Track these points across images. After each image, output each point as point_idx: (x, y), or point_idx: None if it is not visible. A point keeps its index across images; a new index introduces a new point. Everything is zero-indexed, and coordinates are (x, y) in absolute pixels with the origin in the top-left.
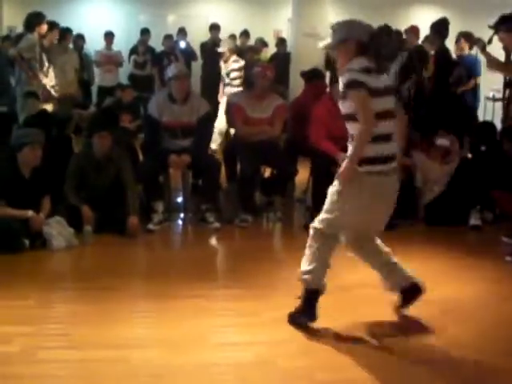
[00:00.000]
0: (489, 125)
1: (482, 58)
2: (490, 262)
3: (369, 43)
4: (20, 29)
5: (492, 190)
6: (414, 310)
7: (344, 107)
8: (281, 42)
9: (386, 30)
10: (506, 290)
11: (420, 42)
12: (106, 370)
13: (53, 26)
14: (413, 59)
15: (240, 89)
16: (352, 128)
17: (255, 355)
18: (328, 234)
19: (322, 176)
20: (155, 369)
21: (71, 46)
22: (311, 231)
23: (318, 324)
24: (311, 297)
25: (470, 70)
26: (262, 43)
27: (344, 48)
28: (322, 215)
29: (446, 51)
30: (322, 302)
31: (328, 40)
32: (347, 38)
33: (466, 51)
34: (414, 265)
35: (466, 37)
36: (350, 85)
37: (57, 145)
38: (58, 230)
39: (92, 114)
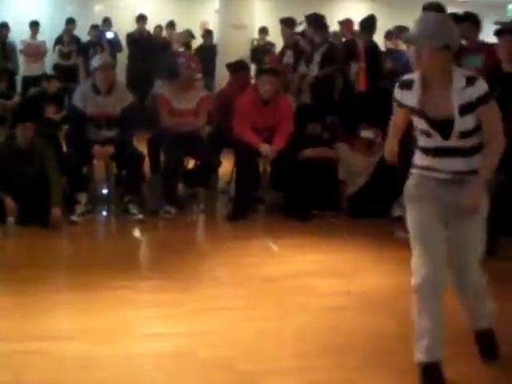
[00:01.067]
0: None
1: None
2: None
3: None
4: None
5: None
6: (333, 301)
7: (465, 122)
8: (207, 33)
9: None
10: None
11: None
12: (32, 362)
13: None
14: (333, 49)
15: None
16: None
17: (176, 346)
18: None
19: (245, 167)
20: (81, 360)
21: None
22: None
23: (240, 315)
24: None
25: (405, 64)
26: (190, 35)
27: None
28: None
29: (375, 46)
30: (246, 293)
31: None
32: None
33: (400, 46)
34: (337, 256)
35: (399, 31)
36: (488, 96)
37: None
38: None
39: (16, 104)
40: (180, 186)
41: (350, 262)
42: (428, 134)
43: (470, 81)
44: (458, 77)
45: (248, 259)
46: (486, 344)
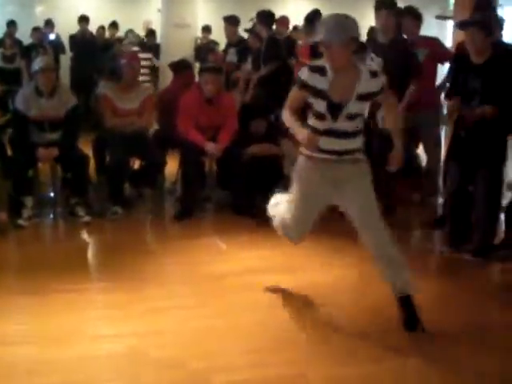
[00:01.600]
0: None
1: None
2: (356, 245)
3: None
4: None
5: None
6: (281, 297)
7: (355, 107)
8: (150, 33)
9: None
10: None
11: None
12: None
13: None
14: (273, 43)
15: None
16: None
17: (128, 346)
18: None
19: (191, 166)
20: (31, 364)
21: None
22: None
23: (189, 313)
24: None
25: None
26: (131, 33)
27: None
28: None
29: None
30: (195, 291)
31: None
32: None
33: None
34: (283, 251)
35: None
36: (384, 88)
37: None
38: None
39: None
40: (126, 187)
41: (296, 257)
42: (322, 117)
43: (373, 75)
44: (364, 70)
45: (196, 258)
46: (408, 312)
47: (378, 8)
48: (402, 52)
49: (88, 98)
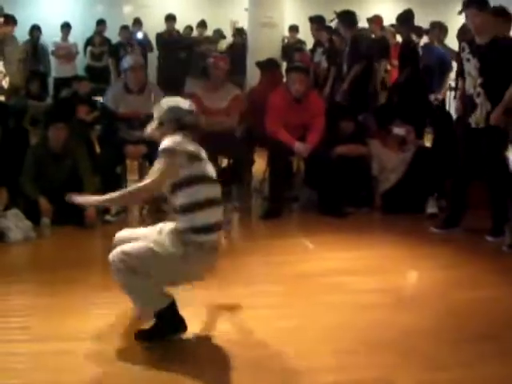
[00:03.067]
0: (445, 114)
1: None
2: (448, 250)
3: None
4: None
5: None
6: (368, 299)
7: None
8: (238, 32)
9: None
10: (462, 278)
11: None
12: (66, 362)
13: (8, 19)
14: (357, 43)
15: None
16: None
17: (214, 347)
18: None
19: (279, 165)
20: (114, 360)
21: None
22: None
23: (274, 313)
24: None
25: (442, 62)
26: (220, 35)
27: None
28: None
29: (412, 42)
30: (281, 291)
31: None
32: None
33: (435, 42)
34: (370, 253)
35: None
36: None
37: (13, 137)
38: (14, 223)
39: (48, 106)
40: None
41: (384, 259)
42: None
43: None
44: None
45: (282, 257)
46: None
47: (468, 6)
48: (504, 53)
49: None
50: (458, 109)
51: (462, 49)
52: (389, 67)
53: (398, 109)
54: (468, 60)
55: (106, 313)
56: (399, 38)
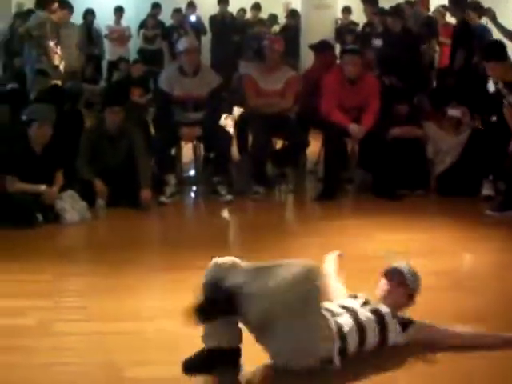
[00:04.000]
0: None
1: (493, 28)
2: (504, 232)
3: None
4: (28, 5)
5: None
6: (425, 281)
7: None
8: (291, 14)
9: None
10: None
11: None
12: (124, 343)
13: (64, 4)
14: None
15: None
16: None
17: None
18: None
19: (334, 147)
20: (168, 340)
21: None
22: None
23: None
24: None
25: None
26: (274, 19)
27: None
28: None
29: (467, 22)
30: None
31: None
32: None
33: (476, 21)
34: (425, 235)
35: (475, 6)
36: None
37: (68, 119)
38: (71, 204)
39: (103, 88)
40: (268, 167)
41: (438, 242)
42: None
43: None
44: None
45: (337, 239)
46: None
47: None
48: None
49: (229, 79)
50: None
51: None
52: (437, 48)
53: (454, 91)
54: None
55: (163, 294)
56: (449, 18)
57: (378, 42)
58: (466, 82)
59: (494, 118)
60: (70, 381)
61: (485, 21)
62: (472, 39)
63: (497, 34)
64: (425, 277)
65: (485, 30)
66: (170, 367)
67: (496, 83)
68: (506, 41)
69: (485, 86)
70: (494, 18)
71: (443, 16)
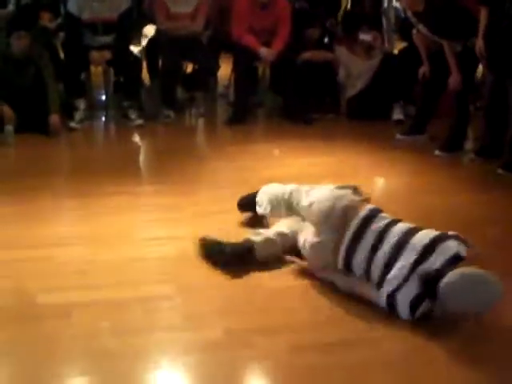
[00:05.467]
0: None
1: None
2: (414, 155)
3: None
4: None
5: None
6: None
7: None
8: None
9: None
10: (430, 182)
11: None
12: (32, 269)
13: None
14: None
15: None
16: None
17: (178, 249)
18: None
19: (244, 71)
20: (80, 265)
21: None
22: None
23: (240, 217)
24: None
25: None
26: None
27: None
28: None
29: None
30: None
31: None
32: None
33: None
34: (333, 159)
35: None
36: None
37: None
38: None
39: (10, 12)
40: (179, 90)
41: (347, 165)
42: None
43: None
44: None
45: (248, 163)
46: None
47: None
48: None
49: (140, 2)
50: None
51: None
52: None
53: (365, 15)
54: None
55: (72, 221)
56: None
57: None
58: (378, 6)
59: (406, 44)
60: None
61: None
62: None
63: None
64: None
65: None
66: (83, 292)
67: (405, 11)
68: None
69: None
70: None
71: None
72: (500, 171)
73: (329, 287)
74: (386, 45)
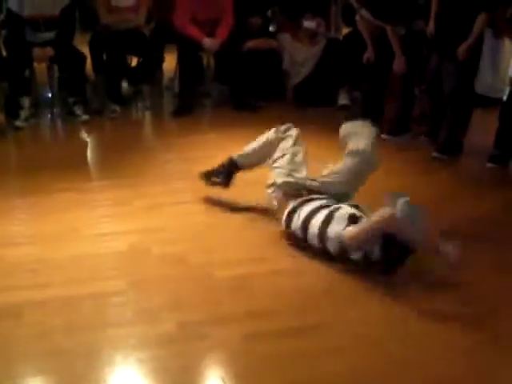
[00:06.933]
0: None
1: None
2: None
3: None
4: None
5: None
6: None
7: None
8: None
9: None
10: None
11: None
12: None
13: None
14: None
15: None
16: None
17: (129, 243)
18: None
19: (188, 61)
20: (30, 264)
21: None
22: None
23: (189, 209)
24: None
25: None
26: None
27: None
28: None
29: None
30: (194, 187)
31: None
32: None
33: None
34: None
35: None
36: None
37: None
38: None
39: None
40: (124, 85)
41: None
42: None
43: None
44: None
45: (196, 153)
46: None
47: None
48: None
49: None
50: None
51: None
52: None
53: (309, 1)
54: None
55: (21, 218)
56: None
57: None
58: None
59: (350, 29)
60: None
61: None
62: None
63: None
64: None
65: None
66: (34, 291)
67: None
68: None
69: None
70: None
71: None
72: (435, 154)
73: (278, 276)
74: (334, 31)
